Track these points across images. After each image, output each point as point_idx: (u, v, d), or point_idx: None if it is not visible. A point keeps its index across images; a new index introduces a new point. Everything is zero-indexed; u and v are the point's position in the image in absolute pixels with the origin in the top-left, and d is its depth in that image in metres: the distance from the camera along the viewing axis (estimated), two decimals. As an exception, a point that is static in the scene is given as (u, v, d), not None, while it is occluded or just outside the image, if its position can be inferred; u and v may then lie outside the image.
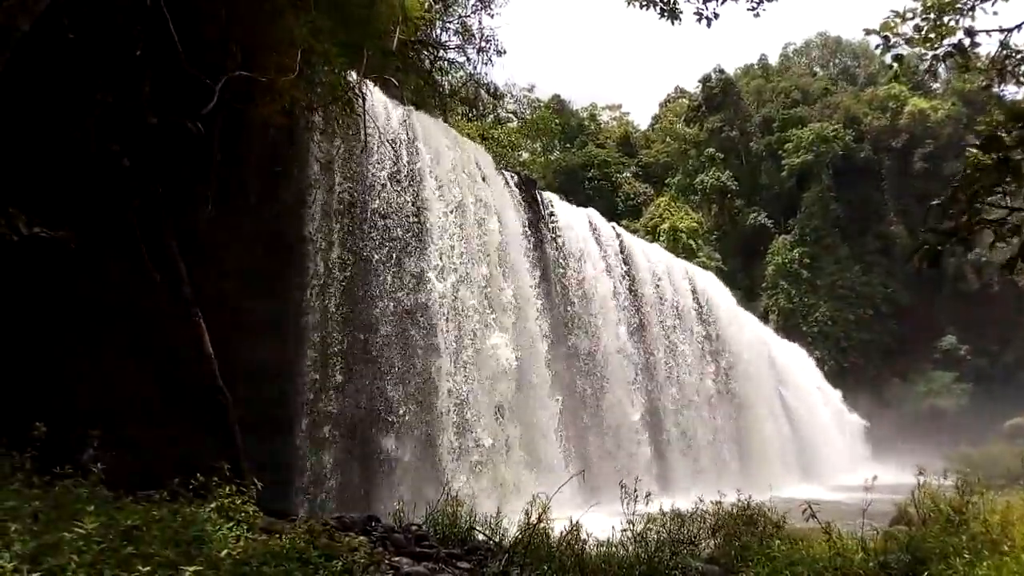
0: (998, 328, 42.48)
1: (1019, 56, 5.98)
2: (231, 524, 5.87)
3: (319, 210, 14.23)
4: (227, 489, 6.30)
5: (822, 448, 32.41)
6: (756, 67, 61.86)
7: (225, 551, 4.93)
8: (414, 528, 9.26)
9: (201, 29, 10.27)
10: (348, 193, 14.86)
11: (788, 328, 42.75)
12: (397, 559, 7.43)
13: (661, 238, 44.10)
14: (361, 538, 6.94)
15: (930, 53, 6.60)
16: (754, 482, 17.68)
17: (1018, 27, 5.75)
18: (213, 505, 5.97)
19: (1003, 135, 4.05)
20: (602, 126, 65.56)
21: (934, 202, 4.23)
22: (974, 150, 4.06)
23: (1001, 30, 5.88)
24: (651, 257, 28.30)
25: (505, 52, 22.78)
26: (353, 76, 12.81)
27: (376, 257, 15.02)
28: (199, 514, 5.55)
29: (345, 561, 5.63)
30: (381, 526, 9.33)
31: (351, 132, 14.11)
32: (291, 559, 5.30)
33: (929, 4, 6.48)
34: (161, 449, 9.97)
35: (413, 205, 15.76)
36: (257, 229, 13.13)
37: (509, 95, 43.46)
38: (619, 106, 68.77)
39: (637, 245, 28.28)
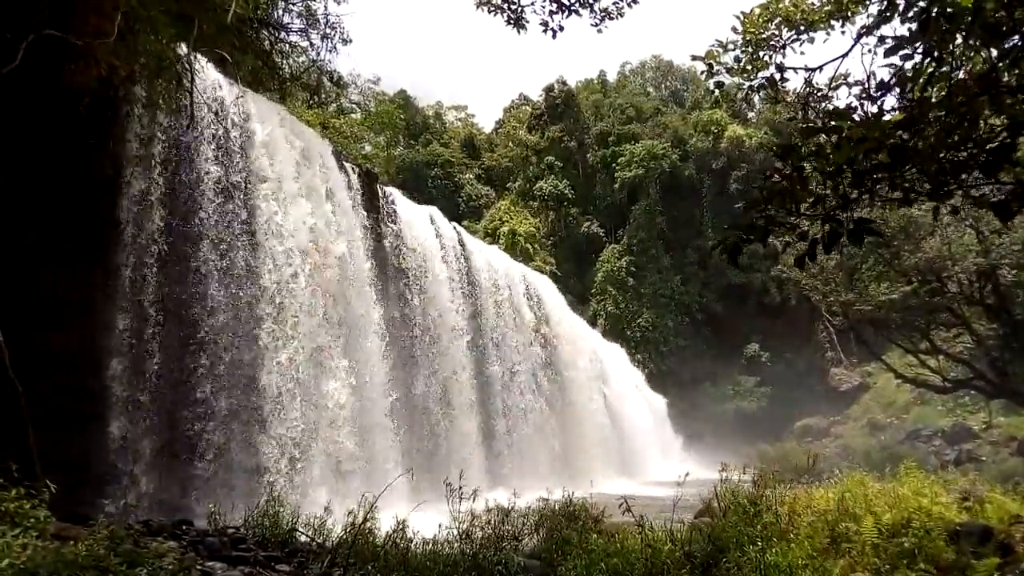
0: (794, 337, 47.15)
1: (820, 94, 6.65)
2: (17, 531, 5.31)
3: (136, 190, 13.14)
4: (14, 492, 5.71)
5: (639, 445, 34.42)
6: (596, 82, 64.63)
7: (7, 561, 4.43)
8: (231, 531, 8.80)
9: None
10: (171, 173, 13.84)
11: (614, 332, 44.98)
12: (210, 564, 7.04)
13: (500, 241, 44.98)
14: (170, 543, 6.51)
15: (747, 84, 7.23)
16: (577, 478, 18.45)
17: (820, 68, 6.41)
18: (-5, 510, 5.37)
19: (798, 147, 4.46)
20: (447, 126, 65.82)
21: (742, 203, 4.59)
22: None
23: (806, 68, 6.53)
24: (490, 258, 28.82)
25: (351, 41, 22.13)
26: (183, 49, 11.94)
27: (199, 243, 14.12)
28: (-24, 521, 4.97)
29: (151, 568, 5.24)
30: (194, 529, 8.81)
31: (178, 108, 13.15)
32: (86, 567, 4.85)
33: (747, 38, 7.10)
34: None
35: (243, 190, 14.99)
36: (66, 205, 11.93)
37: (353, 85, 42.54)
38: (465, 107, 69.68)
39: (476, 246, 28.72)
